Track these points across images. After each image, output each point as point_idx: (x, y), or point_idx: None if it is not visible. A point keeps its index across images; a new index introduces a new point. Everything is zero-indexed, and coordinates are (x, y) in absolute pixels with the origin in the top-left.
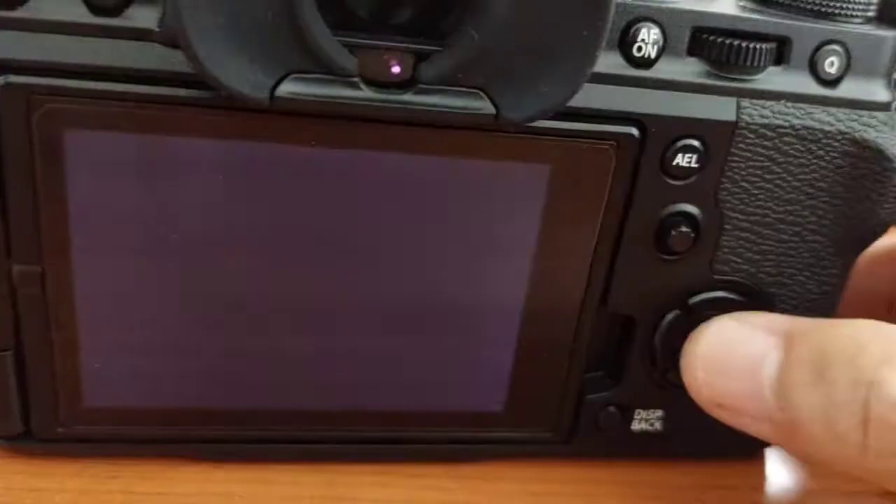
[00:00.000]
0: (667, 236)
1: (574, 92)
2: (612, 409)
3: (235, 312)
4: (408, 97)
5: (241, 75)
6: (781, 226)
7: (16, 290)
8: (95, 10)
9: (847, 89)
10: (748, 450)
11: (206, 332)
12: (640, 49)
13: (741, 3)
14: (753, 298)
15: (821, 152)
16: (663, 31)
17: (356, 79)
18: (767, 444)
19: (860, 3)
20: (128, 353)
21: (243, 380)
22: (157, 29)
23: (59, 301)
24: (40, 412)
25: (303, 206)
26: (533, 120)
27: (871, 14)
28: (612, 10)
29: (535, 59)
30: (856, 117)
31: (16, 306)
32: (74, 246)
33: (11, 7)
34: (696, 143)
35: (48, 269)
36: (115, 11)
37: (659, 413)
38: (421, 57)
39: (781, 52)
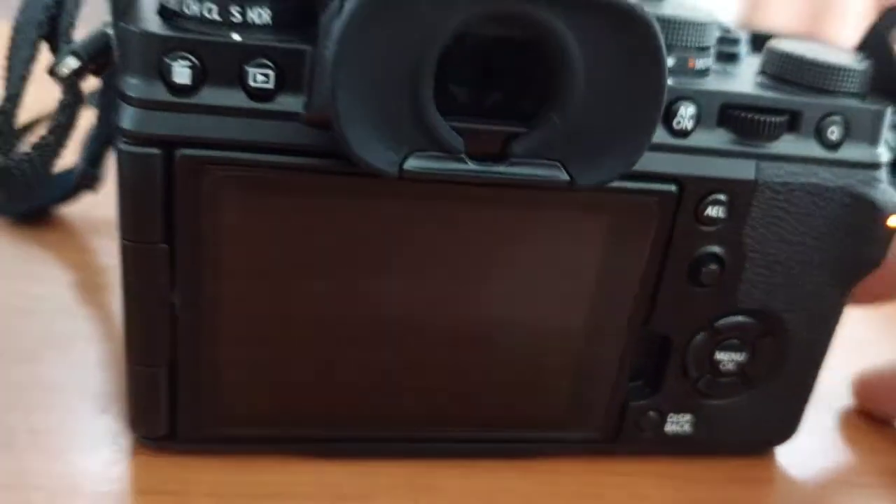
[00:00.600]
0: (698, 272)
1: (634, 162)
2: (650, 413)
3: (352, 335)
4: (501, 168)
5: (377, 154)
6: (791, 263)
7: (177, 317)
8: (253, 97)
9: (846, 152)
10: (760, 449)
11: (327, 350)
12: (679, 122)
13: (759, 80)
14: (768, 321)
15: (823, 203)
16: (698, 108)
17: (462, 155)
18: (776, 445)
19: (854, 82)
20: (261, 368)
21: (355, 388)
22: (302, 112)
23: (210, 326)
24: (185, 417)
25: (415, 249)
26: (599, 186)
27: (863, 89)
28: (665, 96)
29: (602, 136)
30: (853, 175)
31: (174, 330)
32: (225, 283)
33: (188, 95)
34: (723, 197)
35: (204, 301)
36: (269, 98)
37: (688, 417)
38: (511, 136)
39: (793, 123)
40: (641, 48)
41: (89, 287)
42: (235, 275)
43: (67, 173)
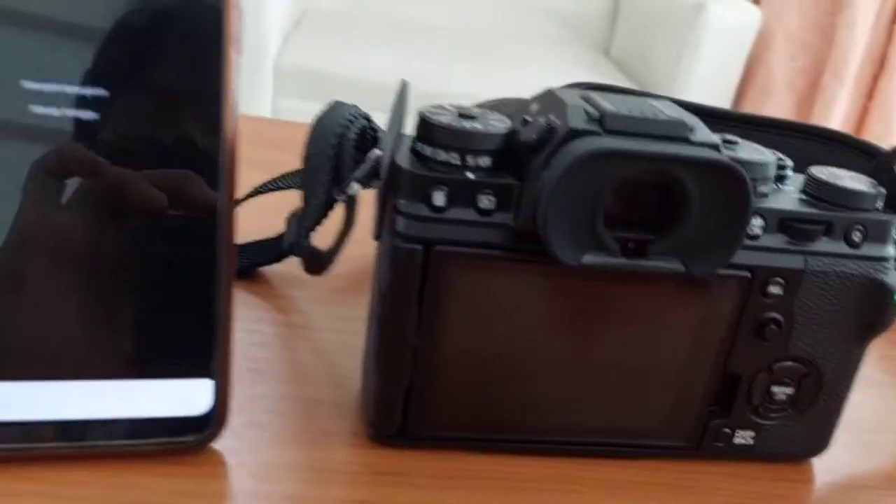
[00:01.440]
0: (762, 330)
1: (729, 260)
2: (724, 429)
3: (531, 370)
4: (641, 262)
5: (565, 251)
6: (827, 325)
7: (417, 354)
8: (481, 213)
9: (865, 250)
10: (801, 458)
11: (513, 380)
12: (751, 230)
13: (802, 198)
14: (809, 365)
15: (850, 285)
16: (764, 220)
17: (617, 253)
18: (813, 456)
19: (871, 201)
20: (467, 390)
21: (527, 406)
22: (511, 223)
23: (439, 361)
24: (412, 421)
25: (579, 310)
26: (708, 276)
27: (879, 206)
28: (750, 217)
29: (709, 243)
30: (870, 266)
31: (413, 363)
32: (453, 332)
33: (440, 212)
34: (780, 280)
35: (437, 344)
36: (490, 214)
37: (751, 433)
38: (648, 242)
39: (828, 230)
40: (737, 189)
41: (298, 326)
42: (461, 327)
43: (276, 240)
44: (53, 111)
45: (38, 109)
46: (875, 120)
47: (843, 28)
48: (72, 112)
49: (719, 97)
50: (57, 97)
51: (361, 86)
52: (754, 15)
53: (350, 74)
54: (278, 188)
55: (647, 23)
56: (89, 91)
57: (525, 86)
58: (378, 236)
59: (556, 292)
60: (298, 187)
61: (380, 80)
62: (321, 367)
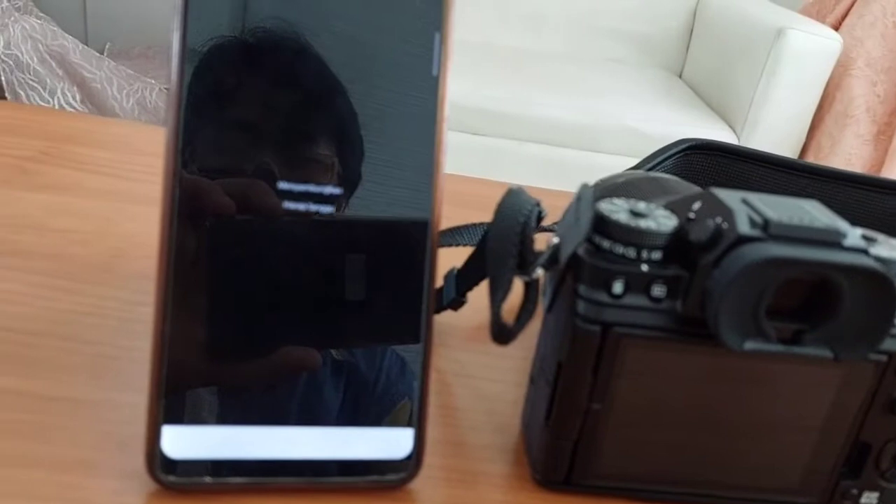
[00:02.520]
0: (894, 406)
1: (875, 349)
2: (853, 490)
3: (685, 433)
4: (795, 349)
5: (730, 338)
6: None
7: (588, 416)
8: (653, 300)
9: None
10: None
11: (668, 439)
12: None
13: None
14: None
15: None
16: None
17: (775, 341)
18: None
19: None
20: (628, 445)
21: (677, 463)
22: (679, 310)
23: (607, 421)
24: (577, 470)
25: (737, 383)
26: (850, 361)
27: None
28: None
29: (858, 333)
30: None
31: (584, 421)
32: (623, 398)
33: (618, 299)
34: None
35: (608, 406)
36: (661, 301)
37: (876, 494)
38: (802, 331)
39: None
40: (884, 291)
41: (457, 374)
42: (629, 394)
43: (437, 294)
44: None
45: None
46: None
47: None
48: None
49: (795, 123)
50: None
51: None
52: (835, 41)
53: None
54: (441, 245)
55: (723, 46)
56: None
57: (600, 110)
58: (549, 310)
59: (715, 368)
60: (456, 245)
61: (460, 101)
62: (482, 414)
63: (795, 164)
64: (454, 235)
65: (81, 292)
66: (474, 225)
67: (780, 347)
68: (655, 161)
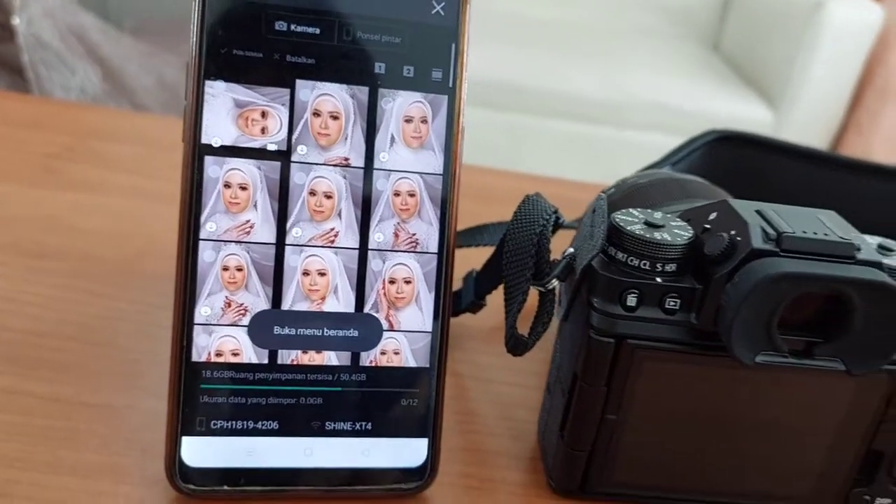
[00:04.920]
0: None
1: (887, 362)
2: (865, 497)
3: (699, 442)
4: (807, 361)
5: (742, 351)
6: None
7: (602, 425)
8: (666, 312)
9: None
10: None
11: (680, 448)
12: None
13: None
14: None
15: None
16: None
17: (787, 354)
18: None
19: None
20: (640, 453)
21: (690, 469)
22: (694, 322)
23: (621, 430)
24: (591, 479)
25: (750, 395)
26: (862, 374)
27: None
28: None
29: (871, 346)
30: None
31: (598, 431)
32: (636, 408)
33: (631, 311)
34: None
35: (622, 417)
36: (674, 313)
37: (888, 501)
38: (813, 343)
39: None
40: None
41: (474, 378)
42: (643, 405)
43: (455, 296)
44: None
45: None
46: None
47: None
48: None
49: (834, 99)
50: None
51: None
52: (876, 14)
53: None
54: (461, 245)
55: (760, 19)
56: None
57: (630, 85)
58: (565, 319)
59: (728, 379)
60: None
61: (485, 75)
62: (499, 420)
63: (823, 156)
64: (474, 235)
65: (110, 296)
66: (495, 224)
67: (791, 361)
68: (682, 153)
